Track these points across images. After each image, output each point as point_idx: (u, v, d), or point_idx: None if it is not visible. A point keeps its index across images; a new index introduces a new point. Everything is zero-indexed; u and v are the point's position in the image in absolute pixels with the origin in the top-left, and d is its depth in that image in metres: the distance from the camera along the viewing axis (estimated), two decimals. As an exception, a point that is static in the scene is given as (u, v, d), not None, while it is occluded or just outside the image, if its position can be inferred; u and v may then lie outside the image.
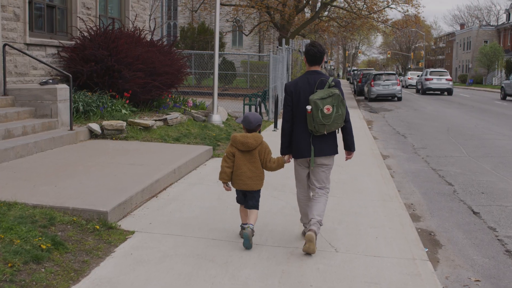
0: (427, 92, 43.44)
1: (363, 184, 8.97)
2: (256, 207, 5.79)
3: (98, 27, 13.57)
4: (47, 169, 7.95)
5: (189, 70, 30.97)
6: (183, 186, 8.17)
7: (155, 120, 12.09)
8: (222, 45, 38.55)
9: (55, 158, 8.78)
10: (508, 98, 37.45)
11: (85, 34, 13.14)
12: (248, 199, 5.76)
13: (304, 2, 36.42)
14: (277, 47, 25.45)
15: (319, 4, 39.39)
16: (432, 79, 42.44)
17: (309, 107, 5.38)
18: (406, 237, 6.25)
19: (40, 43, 12.18)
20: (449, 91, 42.34)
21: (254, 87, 32.61)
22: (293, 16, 34.08)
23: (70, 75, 10.57)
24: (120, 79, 12.48)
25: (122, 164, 8.51)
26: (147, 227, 6.15)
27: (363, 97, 38.07)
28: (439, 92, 43.50)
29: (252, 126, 5.74)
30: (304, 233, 5.99)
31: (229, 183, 5.83)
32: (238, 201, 5.95)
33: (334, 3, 38.71)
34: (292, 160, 5.93)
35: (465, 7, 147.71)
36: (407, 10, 35.63)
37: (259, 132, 6.01)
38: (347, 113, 5.68)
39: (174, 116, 12.72)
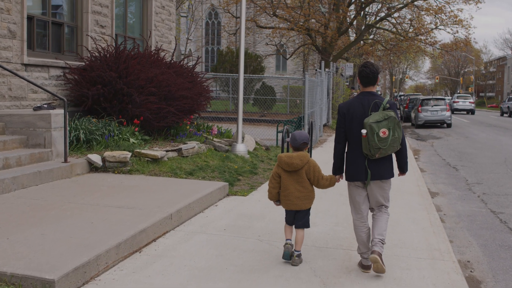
0: (454, 112, 50.50)
1: (407, 233, 7.20)
2: (306, 226, 5.77)
3: (111, 46, 12.24)
4: (13, 213, 6.48)
5: (225, 95, 29.96)
6: (180, 236, 6.58)
7: (167, 151, 10.59)
8: (261, 69, 37.20)
9: (32, 198, 7.32)
10: (504, 115, 50.05)
11: (95, 54, 11.81)
12: (297, 219, 5.71)
13: (348, 23, 34.74)
14: (316, 70, 23.86)
15: (364, 27, 37.71)
16: (458, 101, 53.63)
17: (364, 131, 5.24)
18: (465, 322, 4.51)
19: (42, 63, 10.91)
20: (472, 111, 53.34)
21: (294, 112, 31.09)
22: (335, 39, 32.43)
23: (65, 99, 9.16)
24: (129, 103, 11.07)
25: (108, 207, 6.99)
26: (109, 301, 4.58)
27: (409, 124, 35.98)
28: (464, 112, 53.37)
29: (297, 144, 5.67)
30: (361, 264, 5.66)
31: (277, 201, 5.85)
32: (287, 222, 5.83)
33: (379, 25, 36.97)
34: (342, 181, 5.82)
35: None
36: (457, 31, 33.55)
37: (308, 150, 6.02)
38: (403, 136, 5.50)
39: (190, 146, 11.20)
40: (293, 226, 5.77)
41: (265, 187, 10.02)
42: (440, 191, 11.19)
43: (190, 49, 49.40)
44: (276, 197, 5.77)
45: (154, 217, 6.57)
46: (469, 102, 53.20)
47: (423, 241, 6.85)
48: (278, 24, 34.24)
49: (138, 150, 10.00)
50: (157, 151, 10.15)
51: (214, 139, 12.99)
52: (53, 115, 9.35)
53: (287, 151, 11.05)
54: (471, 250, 7.16)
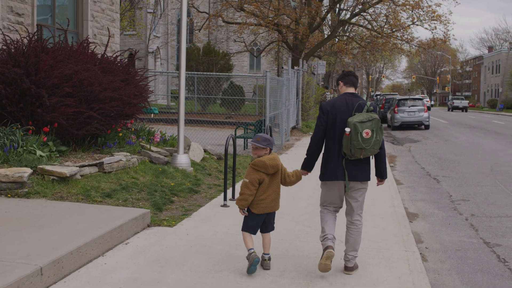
0: None
1: (377, 286, 5.23)
2: (273, 228, 5.63)
3: (26, 38, 10.11)
4: None
5: (190, 95, 27.94)
6: (46, 304, 4.52)
7: (82, 166, 8.48)
8: (229, 67, 35.10)
9: None
10: (449, 110, 70.11)
11: (3, 47, 9.69)
12: (268, 222, 5.55)
13: (319, 19, 32.76)
14: (281, 67, 21.91)
15: (337, 23, 35.84)
16: None
17: (348, 129, 5.21)
18: None
19: None
20: (428, 108, 66.84)
21: (264, 113, 29.23)
22: (306, 35, 30.45)
23: None
24: (40, 107, 8.98)
25: (-47, 258, 4.91)
26: None
27: (385, 125, 34.24)
28: None
29: (272, 146, 5.54)
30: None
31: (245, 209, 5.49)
32: (250, 230, 5.45)
33: (354, 20, 35.16)
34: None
35: (492, 29, 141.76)
36: (435, 27, 31.78)
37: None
38: (383, 140, 5.46)
39: (115, 159, 9.11)
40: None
41: (202, 211, 8.02)
42: (420, 212, 9.27)
43: (157, 46, 47.24)
44: (249, 203, 5.44)
45: (11, 275, 4.51)
46: (426, 100, 72.64)
47: (400, 301, 4.88)
48: (246, 20, 32.12)
49: (41, 166, 7.91)
50: (67, 167, 8.05)
51: (153, 148, 10.90)
52: None
53: (234, 163, 9.07)
54: (465, 309, 5.21)
